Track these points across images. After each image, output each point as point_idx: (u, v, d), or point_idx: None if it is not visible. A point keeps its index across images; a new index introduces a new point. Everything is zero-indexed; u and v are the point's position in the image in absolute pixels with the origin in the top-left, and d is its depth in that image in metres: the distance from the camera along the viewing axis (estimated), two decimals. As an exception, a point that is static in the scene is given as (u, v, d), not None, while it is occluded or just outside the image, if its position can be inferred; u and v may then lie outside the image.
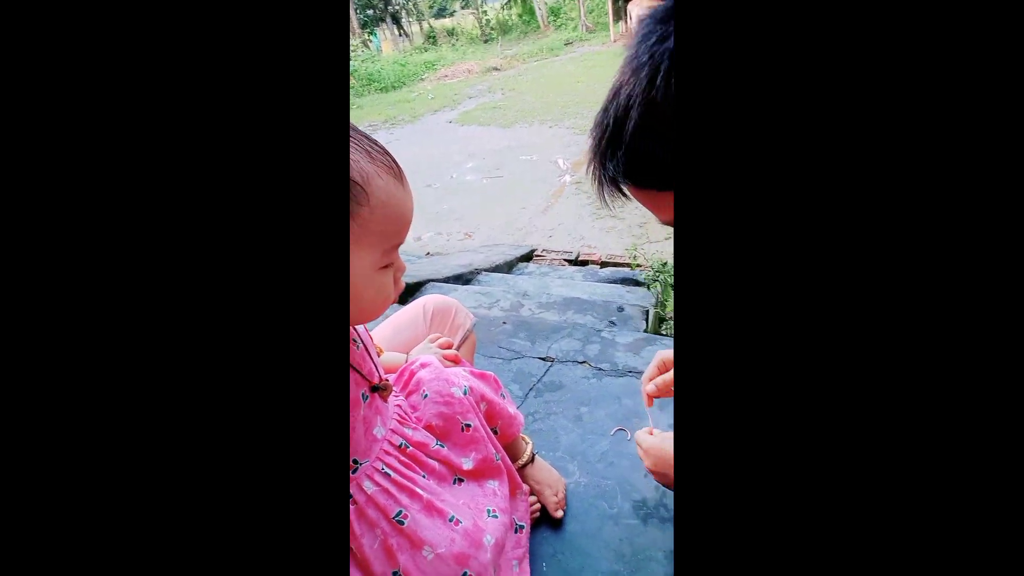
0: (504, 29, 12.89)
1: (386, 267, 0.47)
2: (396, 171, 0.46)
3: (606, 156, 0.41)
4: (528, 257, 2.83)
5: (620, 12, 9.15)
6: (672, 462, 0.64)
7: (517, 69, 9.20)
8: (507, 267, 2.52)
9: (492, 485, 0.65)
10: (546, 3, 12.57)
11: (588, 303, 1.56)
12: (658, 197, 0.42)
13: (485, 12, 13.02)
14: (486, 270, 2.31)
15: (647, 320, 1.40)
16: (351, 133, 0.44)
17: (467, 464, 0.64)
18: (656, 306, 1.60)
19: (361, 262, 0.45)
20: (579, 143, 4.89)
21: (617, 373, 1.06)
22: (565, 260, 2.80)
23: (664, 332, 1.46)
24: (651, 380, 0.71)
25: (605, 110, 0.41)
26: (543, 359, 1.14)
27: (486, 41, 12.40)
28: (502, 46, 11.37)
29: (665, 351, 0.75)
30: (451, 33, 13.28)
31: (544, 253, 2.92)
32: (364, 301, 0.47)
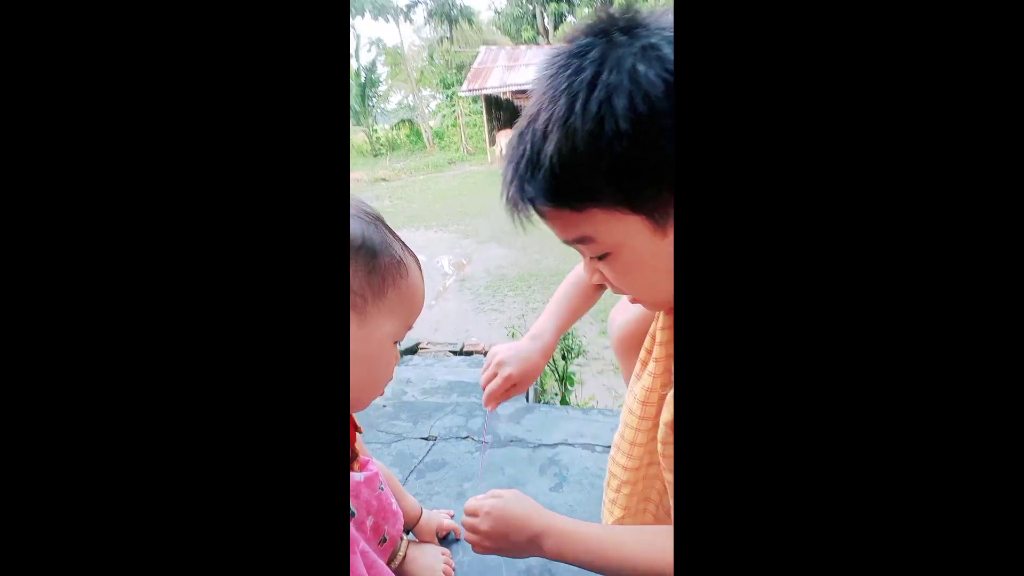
0: (393, 146, 13.85)
1: (395, 343, 0.51)
2: (418, 262, 0.52)
3: (525, 179, 0.43)
4: (413, 350, 2.78)
5: (494, 138, 10.54)
6: (515, 522, 0.54)
7: (404, 181, 9.77)
8: (391, 360, 2.44)
9: None
10: (431, 127, 13.97)
11: (472, 385, 1.57)
12: (570, 216, 0.44)
13: (375, 130, 13.95)
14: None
15: (528, 394, 1.45)
16: (385, 227, 0.50)
17: None
18: (535, 383, 1.67)
19: (384, 329, 0.48)
20: (463, 246, 5.20)
21: (500, 443, 1.06)
22: (450, 352, 2.80)
23: (541, 401, 1.51)
24: (488, 382, 0.67)
25: (521, 136, 0.43)
26: (425, 439, 1.10)
27: (375, 155, 13.12)
28: (390, 160, 12.11)
29: (498, 347, 0.69)
30: (340, 145, 13.82)
31: (429, 346, 2.89)
32: (375, 370, 0.49)
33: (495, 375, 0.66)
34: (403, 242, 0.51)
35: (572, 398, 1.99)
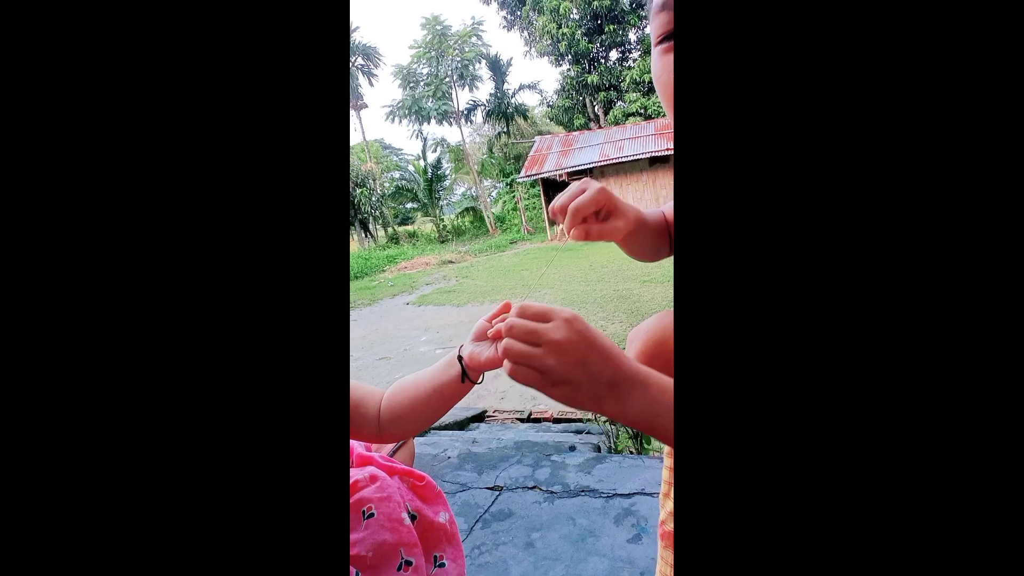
0: (459, 232, 14.84)
1: None
2: None
3: None
4: (480, 417, 2.74)
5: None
6: (603, 350, 0.35)
7: (469, 262, 10.27)
8: (457, 427, 2.41)
9: None
10: (494, 213, 14.87)
11: (539, 444, 1.50)
12: None
13: (442, 219, 15.11)
14: (435, 429, 2.20)
15: (599, 447, 1.36)
16: None
17: None
18: (607, 443, 1.56)
19: None
20: (527, 317, 5.25)
21: (570, 494, 0.98)
22: (517, 419, 2.72)
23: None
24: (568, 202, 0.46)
25: None
26: (491, 488, 1.05)
27: (442, 241, 14.08)
28: (456, 245, 12.90)
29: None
30: (412, 235, 15.09)
31: (496, 414, 2.84)
32: None
33: (583, 191, 0.46)
34: None
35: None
